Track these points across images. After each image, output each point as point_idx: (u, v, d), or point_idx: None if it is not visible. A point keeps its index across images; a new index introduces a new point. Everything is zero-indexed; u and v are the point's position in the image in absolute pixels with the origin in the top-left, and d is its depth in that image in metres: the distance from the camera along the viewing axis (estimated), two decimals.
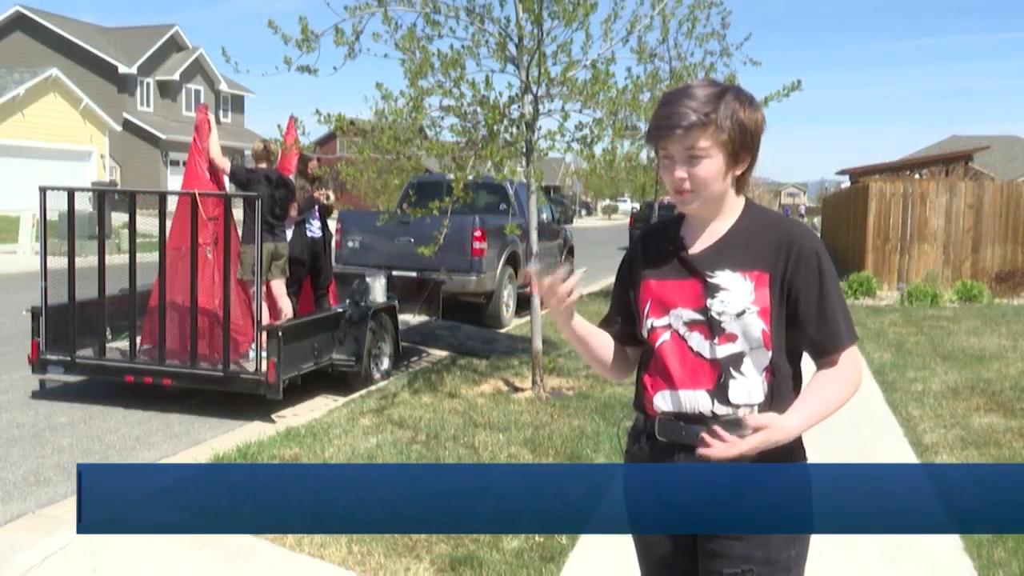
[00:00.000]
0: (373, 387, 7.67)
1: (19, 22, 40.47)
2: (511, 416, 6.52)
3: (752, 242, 2.00)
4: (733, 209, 2.04)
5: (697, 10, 10.75)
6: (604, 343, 2.20)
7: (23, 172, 29.42)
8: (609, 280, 18.62)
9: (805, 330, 1.98)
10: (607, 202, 68.55)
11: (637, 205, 36.07)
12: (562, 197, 47.44)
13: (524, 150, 7.11)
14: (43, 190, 7.10)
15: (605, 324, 2.24)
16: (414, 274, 10.14)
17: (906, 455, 5.77)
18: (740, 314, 1.95)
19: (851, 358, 1.99)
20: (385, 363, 8.20)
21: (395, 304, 8.42)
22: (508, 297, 12.03)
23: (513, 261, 12.04)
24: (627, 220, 41.50)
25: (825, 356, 1.99)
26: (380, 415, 6.55)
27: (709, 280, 1.99)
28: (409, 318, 9.39)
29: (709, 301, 1.97)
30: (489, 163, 7.11)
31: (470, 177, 7.00)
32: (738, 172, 2.01)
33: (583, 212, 62.24)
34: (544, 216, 13.26)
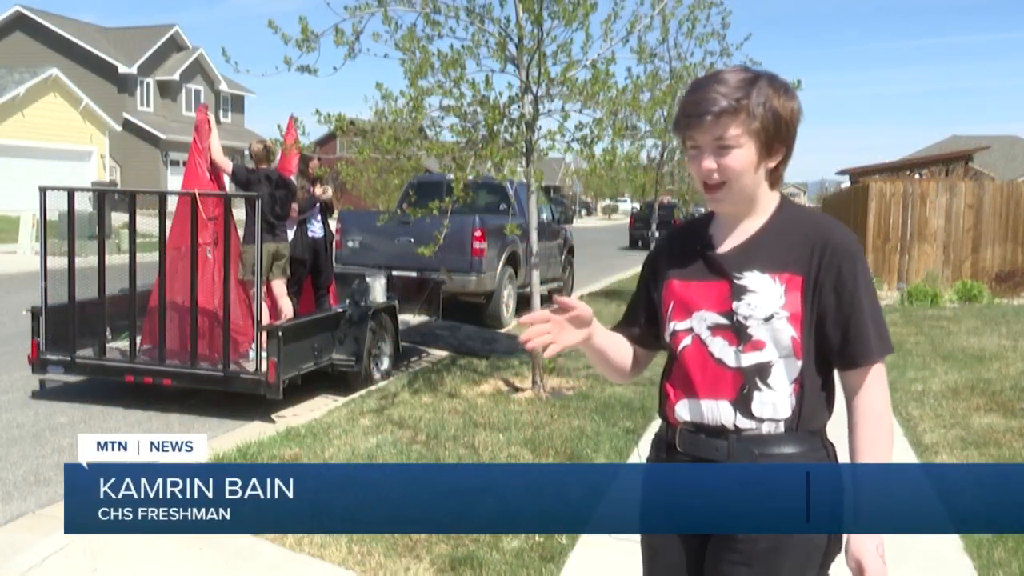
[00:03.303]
0: (373, 387, 7.67)
1: (19, 22, 40.45)
2: (511, 416, 6.51)
3: (784, 242, 1.87)
4: (766, 206, 1.91)
5: (697, 10, 10.73)
6: (622, 351, 2.07)
7: (23, 172, 29.41)
8: (609, 280, 18.63)
9: (830, 338, 1.85)
10: (607, 202, 68.53)
11: (637, 205, 36.08)
12: (562, 197, 47.43)
13: (524, 150, 7.11)
14: (43, 190, 7.10)
15: (625, 324, 2.10)
16: (414, 274, 10.14)
17: (906, 455, 5.76)
18: (768, 319, 1.83)
19: (877, 378, 1.86)
20: (385, 363, 8.20)
21: (395, 304, 8.42)
22: (508, 297, 12.03)
23: (513, 261, 12.05)
24: (627, 220, 41.50)
25: (850, 368, 1.86)
26: (380, 415, 6.55)
27: (736, 281, 1.86)
28: (409, 318, 9.39)
29: (735, 304, 1.85)
30: (489, 163, 7.11)
31: (470, 177, 7.01)
32: (771, 165, 1.87)
33: (583, 212, 62.22)
34: (544, 216, 13.26)
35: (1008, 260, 15.86)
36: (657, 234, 17.35)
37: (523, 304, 11.75)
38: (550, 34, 6.80)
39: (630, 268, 21.31)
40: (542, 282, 11.77)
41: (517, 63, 6.90)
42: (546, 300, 13.52)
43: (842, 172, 26.74)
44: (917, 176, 22.79)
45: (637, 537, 2.08)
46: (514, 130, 7.01)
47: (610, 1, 7.27)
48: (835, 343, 1.85)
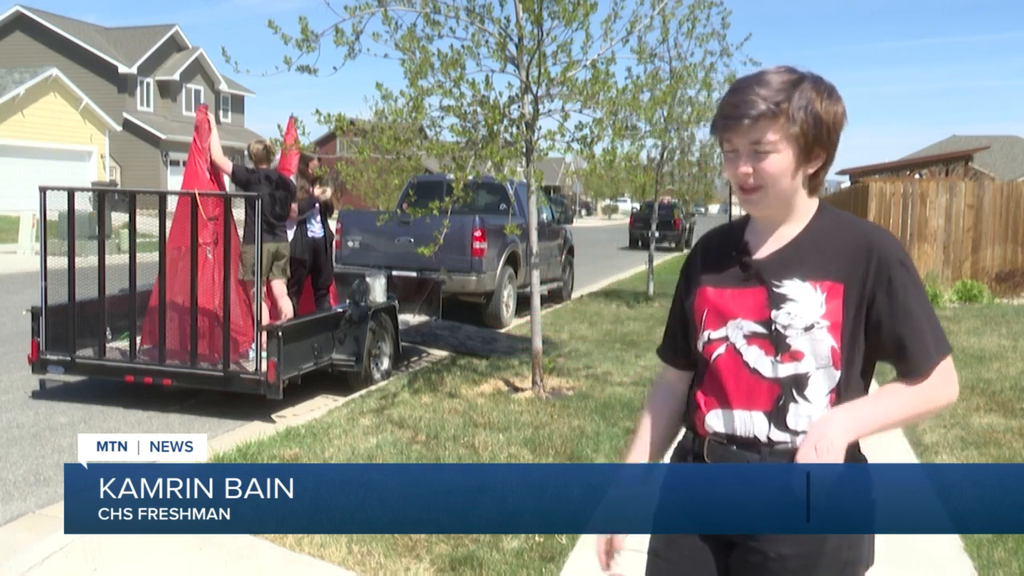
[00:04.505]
0: (373, 387, 7.66)
1: (19, 22, 40.45)
2: (511, 416, 6.52)
3: (825, 249, 1.81)
4: (805, 212, 1.85)
5: (697, 10, 10.74)
6: (675, 424, 2.03)
7: (23, 172, 29.43)
8: (609, 280, 18.62)
9: (887, 349, 1.79)
10: (607, 202, 68.53)
11: (637, 205, 36.08)
12: (562, 197, 47.45)
13: (524, 150, 7.11)
14: (43, 190, 7.10)
15: (669, 352, 2.04)
16: (414, 274, 10.15)
17: (906, 455, 5.76)
18: (808, 328, 1.76)
19: (942, 374, 1.79)
20: (385, 363, 8.20)
21: (395, 304, 8.42)
22: (508, 297, 12.04)
23: (513, 261, 12.05)
24: (627, 220, 41.53)
25: (913, 377, 1.79)
26: (380, 415, 6.55)
27: (775, 289, 1.80)
28: (409, 318, 9.40)
29: (774, 313, 1.78)
30: (489, 163, 7.12)
31: (470, 177, 7.01)
32: (810, 170, 1.81)
33: (583, 212, 62.26)
34: (544, 216, 13.27)
35: (1008, 260, 15.86)
36: (657, 234, 17.37)
37: (523, 304, 11.76)
38: (550, 34, 6.81)
39: (630, 268, 21.32)
40: (542, 282, 11.79)
41: (517, 63, 6.90)
42: (546, 300, 13.53)
43: (842, 172, 26.72)
44: (917, 176, 22.79)
45: (643, 545, 2.05)
46: (514, 130, 7.01)
47: (610, 1, 7.28)
48: (892, 355, 1.79)
